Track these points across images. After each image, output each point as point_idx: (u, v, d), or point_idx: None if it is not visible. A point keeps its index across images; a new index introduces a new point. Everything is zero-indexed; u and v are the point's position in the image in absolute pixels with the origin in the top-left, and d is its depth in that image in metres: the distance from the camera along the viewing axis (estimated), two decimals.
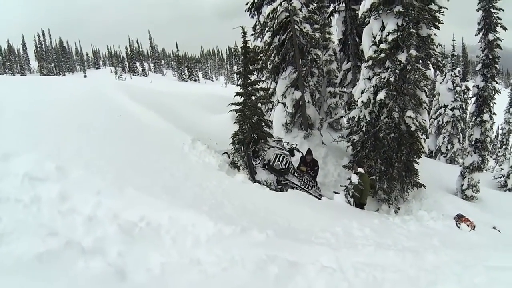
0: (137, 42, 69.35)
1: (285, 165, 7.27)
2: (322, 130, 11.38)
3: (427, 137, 13.79)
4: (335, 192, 7.14)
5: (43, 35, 57.78)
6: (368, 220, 5.85)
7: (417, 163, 8.61)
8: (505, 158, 17.55)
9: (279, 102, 10.27)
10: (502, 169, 17.67)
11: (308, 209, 5.57)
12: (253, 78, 8.00)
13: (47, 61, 56.71)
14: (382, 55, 7.45)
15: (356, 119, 8.13)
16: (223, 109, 9.25)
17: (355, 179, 6.44)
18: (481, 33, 11.84)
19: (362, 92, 8.08)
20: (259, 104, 7.43)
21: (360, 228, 5.09)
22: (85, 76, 52.50)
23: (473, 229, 6.75)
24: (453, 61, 19.84)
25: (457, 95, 19.17)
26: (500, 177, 17.72)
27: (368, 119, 7.89)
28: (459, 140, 19.50)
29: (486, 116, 12.50)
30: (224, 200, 4.91)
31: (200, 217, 3.72)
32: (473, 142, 12.92)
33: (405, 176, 8.47)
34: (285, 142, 8.00)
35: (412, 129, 7.67)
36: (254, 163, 7.12)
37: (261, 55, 10.14)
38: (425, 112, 8.25)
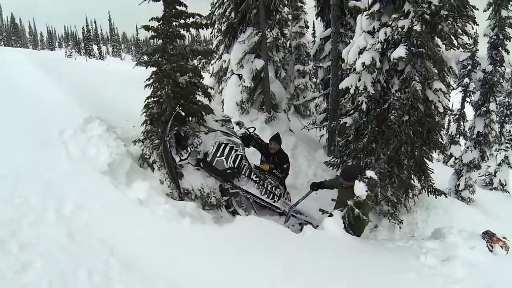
0: (95, 22, 64.29)
1: (234, 161, 4.22)
2: (289, 114, 8.74)
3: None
4: (323, 212, 4.11)
5: None
6: (400, 277, 3.04)
7: (431, 160, 6.05)
8: (492, 155, 15.87)
9: (233, 73, 7.26)
10: (489, 166, 16.02)
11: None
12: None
13: None
14: None
15: (351, 92, 5.27)
16: None
17: (363, 190, 3.61)
18: (491, 9, 9.96)
19: (361, 52, 5.27)
20: (194, 61, 4.39)
21: None
22: None
23: (507, 251, 4.46)
24: None
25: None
26: (487, 175, 16.11)
27: (371, 92, 5.10)
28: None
29: (492, 106, 10.37)
30: None
31: None
32: (474, 136, 10.80)
33: (418, 179, 5.86)
34: (235, 123, 4.96)
35: (440, 110, 4.99)
36: (178, 158, 4.01)
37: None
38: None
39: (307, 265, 2.92)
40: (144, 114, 4.25)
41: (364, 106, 5.20)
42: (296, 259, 2.97)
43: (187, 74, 4.17)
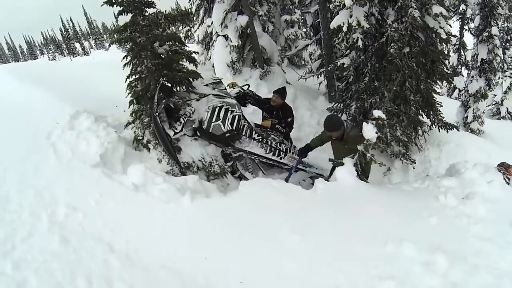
0: (71, 21, 62.58)
1: (232, 123, 3.92)
2: (283, 67, 8.33)
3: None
4: (334, 161, 3.84)
5: None
6: (422, 223, 2.81)
7: (439, 93, 5.72)
8: (497, 83, 15.33)
9: (218, 35, 6.81)
10: (495, 95, 15.57)
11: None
12: None
13: None
14: None
15: (344, 30, 4.82)
16: None
17: (372, 133, 3.23)
18: None
19: None
20: (172, 28, 3.99)
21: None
22: None
23: None
24: None
25: None
26: (494, 104, 15.73)
27: (365, 26, 4.67)
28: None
29: (494, 30, 9.76)
30: None
31: None
32: (478, 64, 10.31)
33: (427, 114, 5.56)
34: (228, 87, 4.56)
35: (443, 37, 4.58)
36: (172, 132, 3.71)
37: None
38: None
39: (320, 224, 2.71)
40: (129, 94, 3.96)
41: (360, 43, 4.80)
42: (308, 218, 2.75)
43: (167, 43, 3.82)
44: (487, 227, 2.79)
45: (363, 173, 3.66)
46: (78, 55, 56.37)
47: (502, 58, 11.27)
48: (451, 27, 5.26)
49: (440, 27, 4.56)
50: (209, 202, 3.04)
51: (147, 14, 3.76)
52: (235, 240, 2.62)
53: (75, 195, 3.04)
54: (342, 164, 3.53)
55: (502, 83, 15.63)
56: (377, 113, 3.42)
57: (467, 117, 10.83)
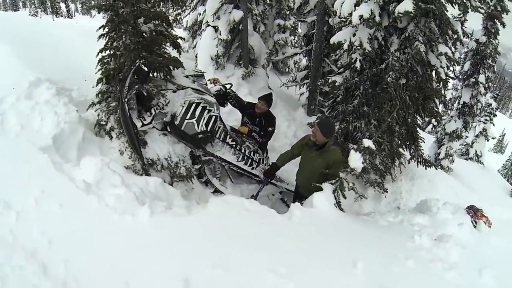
0: None
1: (207, 124, 3.52)
2: (267, 70, 8.06)
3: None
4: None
5: None
6: (400, 267, 2.56)
7: (423, 129, 5.66)
8: (471, 126, 16.01)
9: (208, 25, 6.40)
10: (467, 136, 16.19)
11: None
12: None
13: None
14: None
15: (344, 48, 4.59)
16: None
17: (358, 162, 3.02)
18: None
19: (357, 3, 4.55)
20: (162, 6, 3.53)
21: None
22: None
23: (490, 227, 4.33)
24: None
25: None
26: (464, 144, 16.36)
27: (367, 49, 4.46)
28: None
29: (481, 78, 10.07)
30: None
31: None
32: (460, 106, 10.60)
33: (408, 147, 5.47)
34: (210, 82, 4.14)
35: (443, 77, 4.45)
36: (140, 123, 3.26)
37: None
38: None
39: (298, 261, 2.30)
40: (100, 71, 3.46)
41: (358, 64, 4.58)
42: (285, 254, 2.33)
43: (152, 22, 3.37)
44: (460, 274, 2.70)
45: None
46: (62, 16, 53.29)
47: (483, 105, 11.67)
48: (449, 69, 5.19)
49: (441, 67, 4.44)
50: (172, 220, 2.51)
51: None
52: (202, 273, 2.10)
53: (12, 187, 2.46)
54: (317, 188, 3.27)
55: (475, 126, 16.24)
56: (367, 142, 3.19)
57: (439, 153, 11.11)
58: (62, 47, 6.07)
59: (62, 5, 57.24)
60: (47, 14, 51.31)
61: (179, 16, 10.78)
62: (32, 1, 57.39)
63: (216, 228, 2.48)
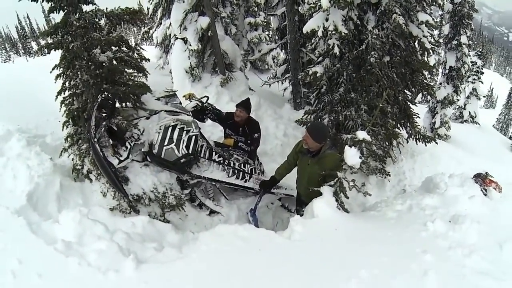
0: (28, 18, 57.48)
1: (188, 146, 3.23)
2: (245, 72, 7.91)
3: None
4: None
5: None
6: (418, 263, 2.30)
7: (416, 104, 5.43)
8: (461, 89, 15.93)
9: (177, 38, 6.10)
10: (458, 99, 16.10)
11: None
12: None
13: None
14: None
15: (318, 35, 4.31)
16: None
17: (355, 158, 2.77)
18: None
19: None
20: (120, 29, 3.20)
21: None
22: None
23: (500, 192, 4.08)
24: None
25: None
26: (457, 108, 16.25)
27: (343, 32, 4.20)
28: None
29: (463, 39, 9.85)
30: None
31: None
32: (446, 71, 10.39)
33: (403, 125, 5.23)
34: (186, 98, 3.88)
35: (427, 46, 4.20)
36: (117, 160, 2.95)
37: None
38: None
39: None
40: (65, 113, 3.20)
41: (336, 50, 4.31)
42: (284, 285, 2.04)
43: (110, 49, 3.09)
44: (481, 256, 2.44)
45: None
46: (35, 54, 52.59)
47: (470, 66, 11.48)
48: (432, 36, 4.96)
49: (424, 36, 4.19)
50: (159, 272, 2.24)
51: (83, 12, 3.01)
52: None
53: None
54: (317, 193, 3.00)
55: (465, 88, 16.13)
56: (361, 134, 2.89)
57: (434, 122, 10.92)
58: (34, 90, 5.79)
59: (33, 44, 56.19)
60: (20, 56, 50.38)
61: (147, 34, 10.48)
62: (3, 46, 56.65)
63: (208, 272, 2.18)
